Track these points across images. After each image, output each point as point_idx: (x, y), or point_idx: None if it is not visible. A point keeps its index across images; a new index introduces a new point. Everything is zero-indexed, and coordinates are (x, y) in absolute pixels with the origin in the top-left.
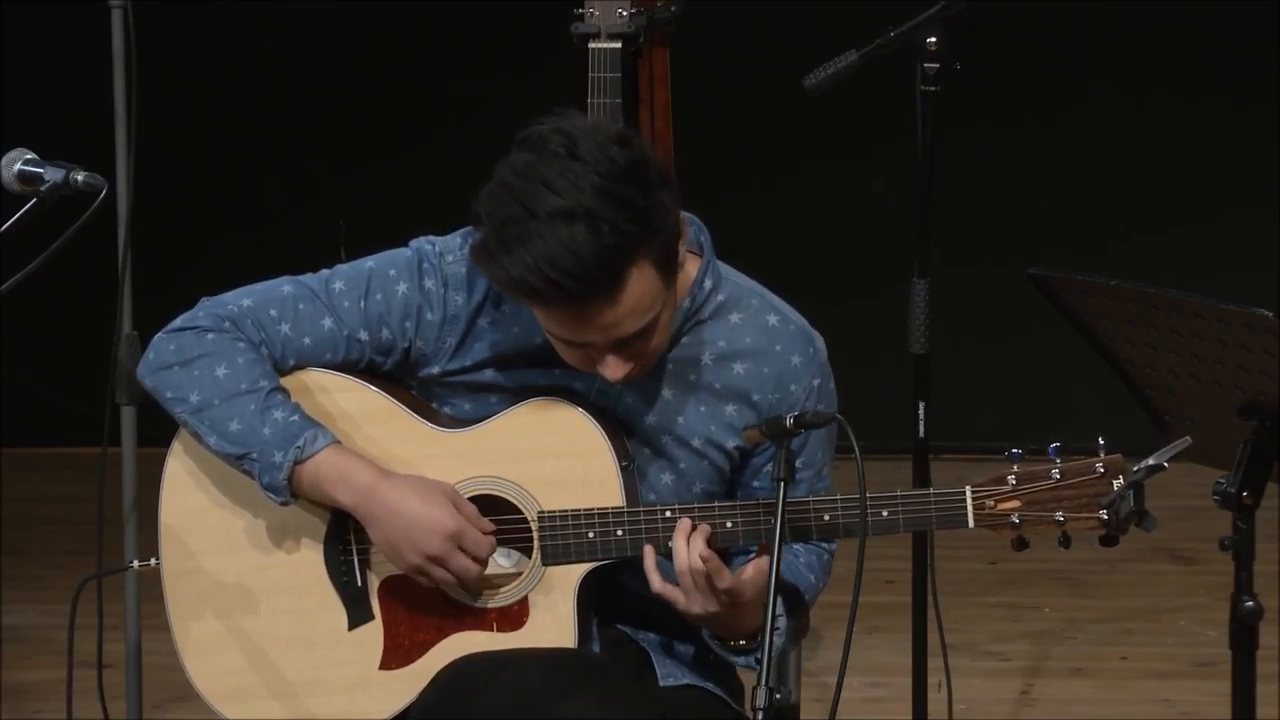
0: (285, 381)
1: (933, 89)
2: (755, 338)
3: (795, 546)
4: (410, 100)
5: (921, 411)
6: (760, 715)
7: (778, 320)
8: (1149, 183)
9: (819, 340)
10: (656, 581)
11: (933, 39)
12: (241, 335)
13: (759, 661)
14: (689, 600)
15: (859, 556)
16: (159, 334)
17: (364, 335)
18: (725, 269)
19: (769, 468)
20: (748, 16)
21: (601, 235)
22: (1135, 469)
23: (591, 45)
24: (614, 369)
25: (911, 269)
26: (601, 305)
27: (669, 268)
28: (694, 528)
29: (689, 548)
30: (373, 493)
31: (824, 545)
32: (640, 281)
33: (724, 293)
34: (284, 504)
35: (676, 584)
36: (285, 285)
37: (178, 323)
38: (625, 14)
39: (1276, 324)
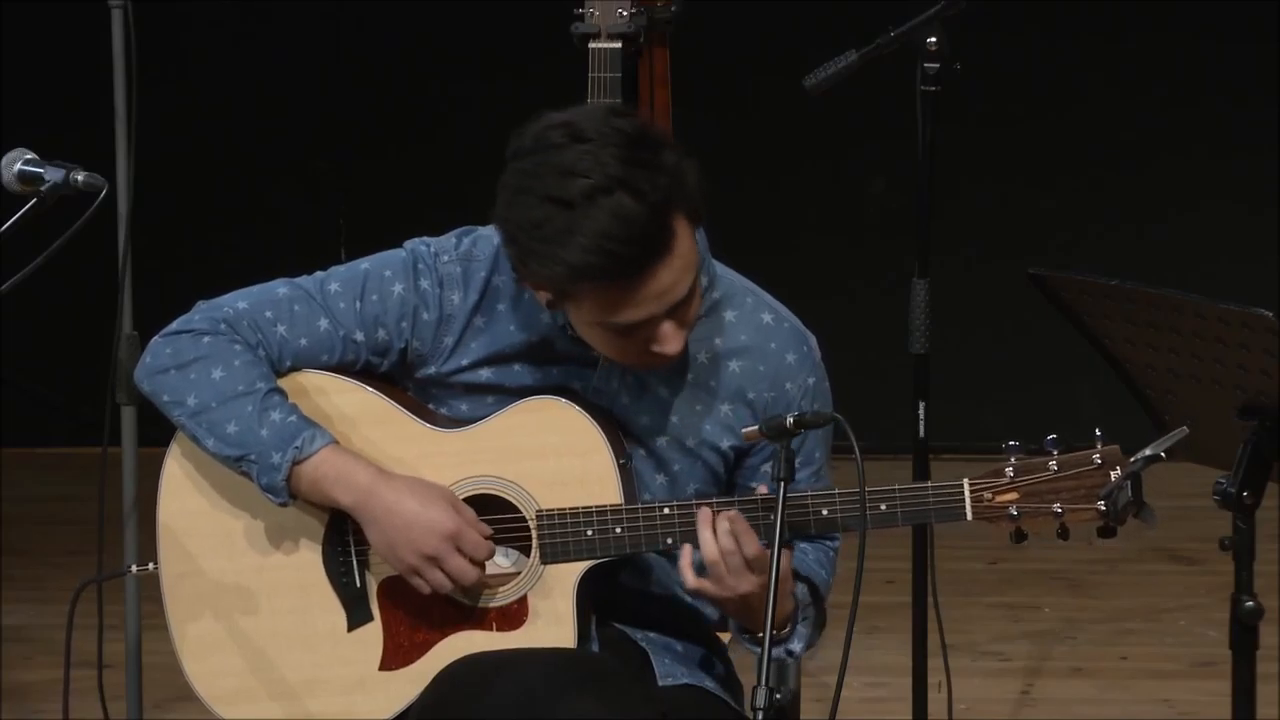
0: (282, 383)
1: (933, 89)
2: (750, 335)
3: (802, 545)
4: (410, 100)
5: (921, 411)
6: (760, 715)
7: (772, 318)
8: (1149, 182)
9: (812, 339)
10: (691, 579)
11: (933, 39)
12: (238, 337)
13: (789, 653)
14: (721, 587)
15: (859, 556)
16: (155, 338)
17: (360, 336)
18: (719, 267)
19: (766, 467)
20: (748, 17)
21: (644, 195)
22: (1133, 459)
23: (591, 45)
24: (674, 339)
25: (911, 269)
26: (659, 266)
27: (697, 223)
28: (716, 513)
29: (716, 533)
30: (371, 493)
31: (827, 542)
32: (684, 236)
33: (719, 290)
34: (283, 505)
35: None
36: (281, 287)
37: (174, 326)
38: (625, 14)
39: (1276, 324)
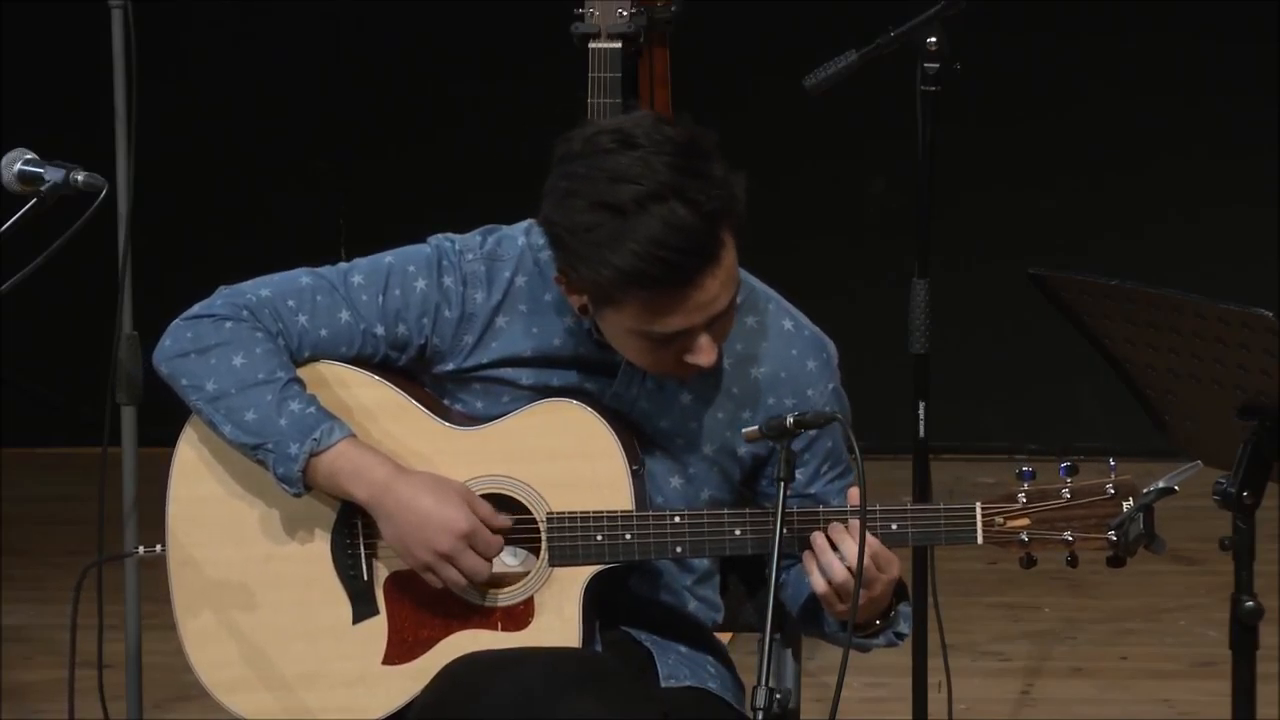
0: (300, 374)
1: (933, 89)
2: (772, 342)
3: None
4: (410, 100)
5: (921, 411)
6: (760, 715)
7: (793, 325)
8: (1149, 182)
9: (831, 345)
10: (821, 584)
11: (933, 39)
12: (259, 325)
13: (899, 636)
14: (849, 598)
15: (859, 557)
16: (176, 321)
17: (380, 330)
18: (740, 271)
19: (798, 474)
20: (748, 17)
21: (698, 205)
22: (1145, 491)
23: (591, 45)
24: (709, 351)
25: (911, 269)
26: (707, 277)
27: (740, 237)
28: (846, 525)
29: (840, 554)
30: (387, 488)
31: None
32: (730, 250)
33: (741, 294)
34: (297, 495)
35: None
36: (303, 277)
37: (195, 310)
38: (625, 14)
39: (1276, 324)
